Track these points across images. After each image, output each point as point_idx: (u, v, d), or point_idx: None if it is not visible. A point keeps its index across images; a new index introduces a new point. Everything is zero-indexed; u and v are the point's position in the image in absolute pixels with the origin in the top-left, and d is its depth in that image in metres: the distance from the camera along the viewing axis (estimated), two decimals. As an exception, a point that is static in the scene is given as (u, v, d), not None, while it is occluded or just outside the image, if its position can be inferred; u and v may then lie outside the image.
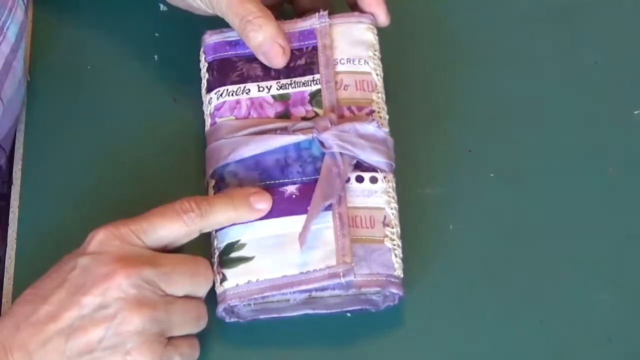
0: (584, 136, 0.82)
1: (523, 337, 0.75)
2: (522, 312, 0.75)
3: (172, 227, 0.71)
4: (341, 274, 0.70)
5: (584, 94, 0.83)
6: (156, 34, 0.86)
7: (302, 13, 0.81)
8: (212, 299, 0.72)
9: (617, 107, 0.83)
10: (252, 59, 0.78)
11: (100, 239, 0.69)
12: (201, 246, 0.74)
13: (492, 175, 0.80)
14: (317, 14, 0.79)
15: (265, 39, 0.76)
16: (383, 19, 0.79)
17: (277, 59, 0.77)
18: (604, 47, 0.85)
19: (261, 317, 0.73)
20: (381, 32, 0.79)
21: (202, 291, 0.71)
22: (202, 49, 0.80)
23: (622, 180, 0.80)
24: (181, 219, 0.71)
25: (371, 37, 0.78)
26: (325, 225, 0.72)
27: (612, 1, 0.87)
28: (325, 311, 0.73)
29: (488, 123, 0.82)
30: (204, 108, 0.78)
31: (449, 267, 0.77)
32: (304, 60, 0.77)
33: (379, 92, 0.77)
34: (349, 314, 0.74)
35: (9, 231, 0.80)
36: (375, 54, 0.78)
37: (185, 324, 0.70)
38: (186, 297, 0.70)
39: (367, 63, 0.77)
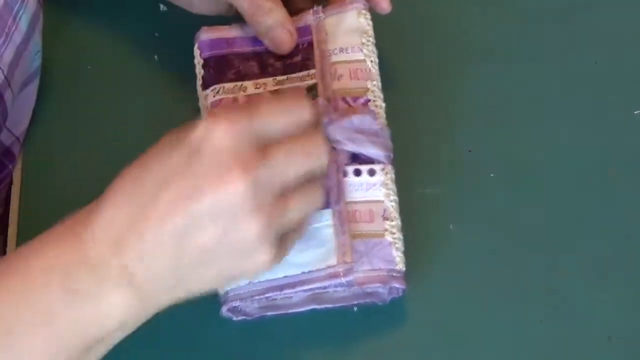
0: (584, 136, 0.82)
1: (523, 337, 0.75)
2: (522, 312, 0.75)
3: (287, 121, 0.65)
4: (341, 274, 0.70)
5: (584, 94, 0.83)
6: (156, 34, 0.86)
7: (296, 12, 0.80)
8: (216, 299, 0.72)
9: (617, 107, 0.83)
10: (248, 57, 0.78)
11: (216, 137, 0.63)
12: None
13: (492, 175, 0.80)
14: (311, 10, 0.79)
15: (274, 24, 0.76)
16: (385, 5, 0.78)
17: (285, 45, 0.77)
18: (604, 47, 0.85)
19: (268, 314, 0.73)
20: (381, 32, 0.79)
21: (320, 168, 0.66)
22: (196, 45, 0.79)
23: (622, 180, 0.80)
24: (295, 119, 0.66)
25: (363, 22, 0.78)
26: (325, 224, 0.72)
27: (612, 1, 0.87)
28: (331, 305, 0.73)
29: (488, 123, 0.82)
30: (200, 104, 0.78)
31: (448, 267, 0.77)
32: (300, 57, 0.77)
33: (373, 80, 0.76)
34: (355, 308, 0.74)
35: (9, 231, 0.80)
36: (368, 40, 0.77)
37: (301, 215, 0.66)
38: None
39: (361, 50, 0.77)
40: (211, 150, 0.63)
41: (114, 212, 0.63)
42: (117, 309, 0.63)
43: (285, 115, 0.65)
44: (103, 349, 0.65)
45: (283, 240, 0.66)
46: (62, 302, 0.62)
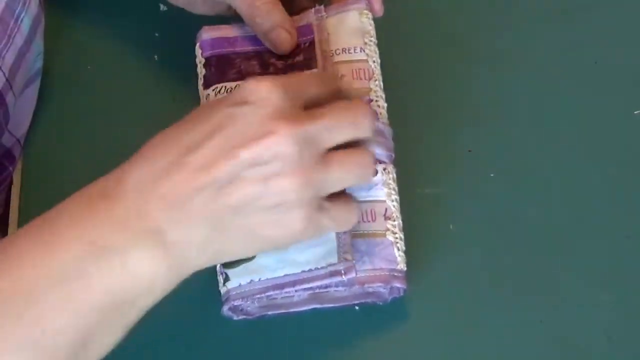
0: (583, 136, 0.82)
1: (523, 337, 0.75)
2: (522, 312, 0.75)
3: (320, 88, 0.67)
4: (342, 272, 0.70)
5: (584, 94, 0.83)
6: (156, 34, 0.86)
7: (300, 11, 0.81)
8: (216, 298, 0.72)
9: (617, 107, 0.83)
10: (250, 56, 0.78)
11: (261, 90, 0.62)
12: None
13: (492, 175, 0.80)
14: (313, 9, 0.79)
15: (273, 25, 0.76)
16: (377, 7, 0.78)
17: (284, 45, 0.76)
18: (604, 47, 0.85)
19: (269, 313, 0.73)
20: (381, 32, 0.79)
21: (366, 133, 0.66)
22: (197, 44, 0.79)
23: (622, 180, 0.80)
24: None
25: (365, 22, 0.77)
26: None
27: (612, 1, 0.87)
28: (332, 305, 0.73)
29: (488, 123, 0.82)
30: (201, 104, 0.78)
31: (449, 267, 0.77)
32: (302, 56, 0.77)
33: (376, 80, 0.76)
34: (357, 307, 0.74)
35: (9, 231, 0.80)
36: (370, 40, 0.77)
37: (344, 180, 0.65)
38: (348, 146, 0.65)
39: (363, 50, 0.76)
40: (258, 102, 0.62)
41: (148, 164, 0.62)
42: (145, 268, 0.61)
43: (322, 82, 0.66)
44: (133, 316, 0.63)
45: (324, 208, 0.65)
46: (87, 260, 0.61)
